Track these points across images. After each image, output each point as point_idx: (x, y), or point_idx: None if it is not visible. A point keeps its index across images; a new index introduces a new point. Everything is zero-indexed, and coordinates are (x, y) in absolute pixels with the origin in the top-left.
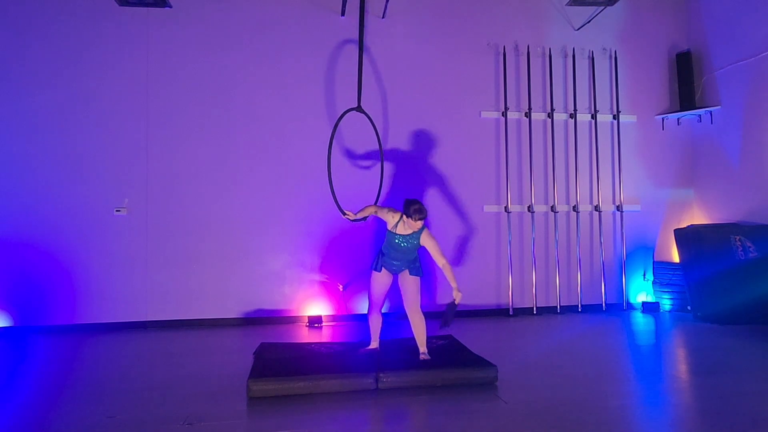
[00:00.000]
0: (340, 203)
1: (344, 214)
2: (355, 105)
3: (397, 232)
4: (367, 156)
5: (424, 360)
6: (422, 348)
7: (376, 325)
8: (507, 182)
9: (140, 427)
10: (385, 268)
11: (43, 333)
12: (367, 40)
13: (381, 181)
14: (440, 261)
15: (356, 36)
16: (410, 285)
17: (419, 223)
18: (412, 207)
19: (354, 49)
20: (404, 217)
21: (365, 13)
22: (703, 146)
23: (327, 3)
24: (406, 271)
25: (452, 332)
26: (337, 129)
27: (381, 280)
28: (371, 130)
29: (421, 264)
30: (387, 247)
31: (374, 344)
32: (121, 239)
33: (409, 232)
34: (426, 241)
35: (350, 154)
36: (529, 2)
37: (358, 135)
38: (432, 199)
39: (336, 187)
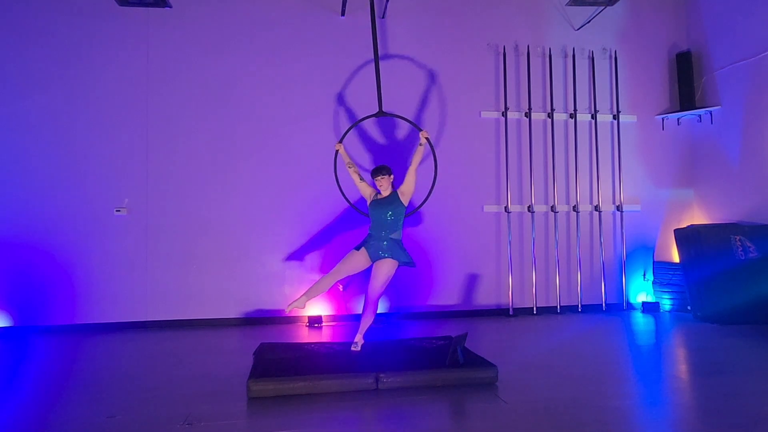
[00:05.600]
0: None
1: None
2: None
3: (378, 198)
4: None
5: (423, 360)
6: (359, 336)
7: (320, 287)
8: (507, 182)
9: (140, 427)
10: (368, 250)
11: (43, 333)
12: (367, 39)
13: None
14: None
15: (356, 36)
16: (385, 267)
17: (386, 181)
18: (374, 171)
19: (355, 50)
20: (377, 183)
21: (365, 13)
22: (703, 146)
23: (327, 3)
24: (387, 258)
25: (452, 332)
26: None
27: (355, 259)
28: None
29: (409, 253)
30: (374, 226)
31: (300, 303)
32: (121, 239)
33: (386, 194)
34: (406, 180)
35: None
36: (529, 2)
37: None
38: (432, 199)
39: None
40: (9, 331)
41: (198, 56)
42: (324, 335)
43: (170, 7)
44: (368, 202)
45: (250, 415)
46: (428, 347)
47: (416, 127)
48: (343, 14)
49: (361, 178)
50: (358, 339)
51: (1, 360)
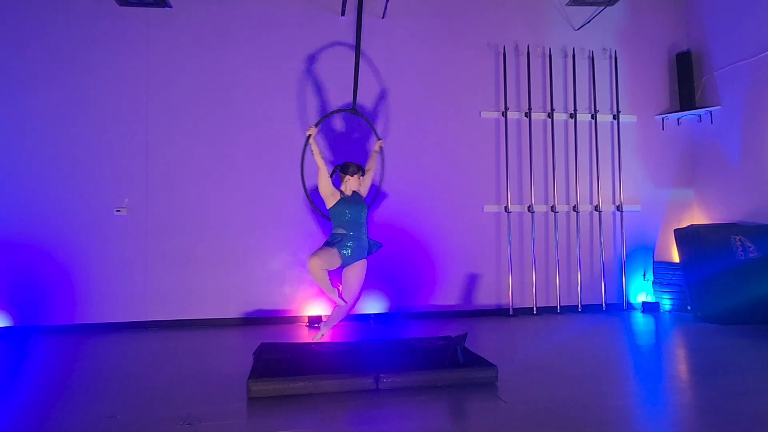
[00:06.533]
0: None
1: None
2: (351, 106)
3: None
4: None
5: (423, 360)
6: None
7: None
8: (507, 182)
9: (140, 427)
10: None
11: (43, 333)
12: (367, 40)
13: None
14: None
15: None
16: (365, 266)
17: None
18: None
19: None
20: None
21: (365, 13)
22: (703, 146)
23: (327, 3)
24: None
25: (452, 332)
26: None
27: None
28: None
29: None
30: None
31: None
32: (121, 239)
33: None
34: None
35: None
36: (529, 2)
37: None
38: (432, 199)
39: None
40: (9, 331)
41: (198, 56)
42: (324, 335)
43: (170, 7)
44: (335, 201)
45: (250, 415)
46: (428, 347)
47: (376, 134)
48: (343, 14)
49: (327, 180)
50: (324, 330)
51: (1, 360)
